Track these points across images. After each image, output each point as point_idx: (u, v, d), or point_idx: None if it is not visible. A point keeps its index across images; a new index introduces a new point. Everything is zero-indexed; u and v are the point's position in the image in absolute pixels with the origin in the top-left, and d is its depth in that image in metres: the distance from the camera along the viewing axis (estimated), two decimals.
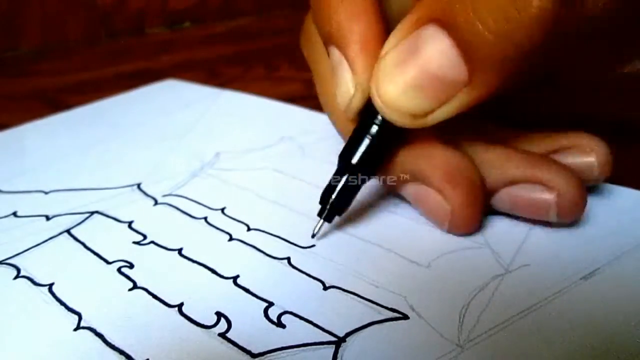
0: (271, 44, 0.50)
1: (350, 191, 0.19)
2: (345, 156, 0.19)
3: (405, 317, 0.15)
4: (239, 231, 0.20)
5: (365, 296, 0.16)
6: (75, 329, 0.16)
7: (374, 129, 0.18)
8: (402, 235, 0.19)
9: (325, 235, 0.19)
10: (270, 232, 0.20)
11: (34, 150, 0.27)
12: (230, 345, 0.15)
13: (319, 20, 0.19)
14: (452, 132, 0.19)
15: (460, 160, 0.18)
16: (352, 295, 0.16)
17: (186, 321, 0.16)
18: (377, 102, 0.17)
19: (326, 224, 0.19)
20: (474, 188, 0.18)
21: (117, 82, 0.38)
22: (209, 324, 0.15)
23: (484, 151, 0.19)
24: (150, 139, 0.28)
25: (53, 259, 0.19)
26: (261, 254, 0.18)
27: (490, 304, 0.16)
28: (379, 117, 0.18)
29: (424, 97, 0.16)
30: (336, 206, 0.19)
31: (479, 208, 0.18)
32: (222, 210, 0.21)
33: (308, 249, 0.19)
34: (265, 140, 0.27)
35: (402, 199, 0.21)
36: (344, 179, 0.18)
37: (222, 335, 0.15)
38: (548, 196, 0.18)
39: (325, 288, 0.17)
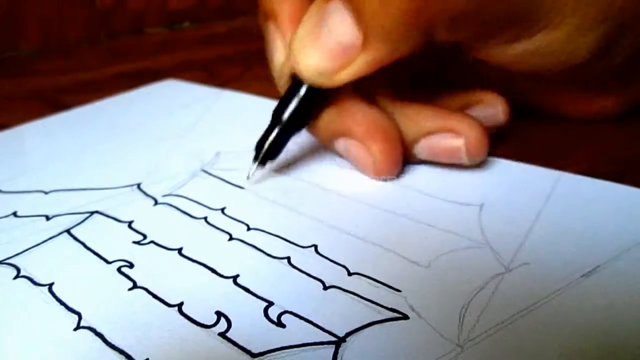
0: None
1: (280, 142, 0.22)
2: (277, 112, 0.22)
3: (405, 317, 0.15)
4: (239, 231, 0.20)
5: (365, 296, 0.16)
6: (75, 329, 0.16)
7: (302, 91, 0.21)
8: (402, 235, 0.19)
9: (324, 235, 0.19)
10: (270, 231, 0.20)
11: (34, 150, 0.27)
12: (230, 344, 0.15)
13: (259, 1, 0.24)
14: (375, 93, 0.22)
15: (378, 115, 0.22)
16: (352, 295, 0.16)
17: (186, 321, 0.16)
18: (294, 64, 0.20)
19: (259, 168, 0.22)
20: (391, 139, 0.21)
21: (117, 82, 0.38)
22: (209, 324, 0.15)
23: (402, 108, 0.22)
24: (150, 139, 0.28)
25: (53, 259, 0.19)
26: (261, 254, 0.18)
27: (491, 303, 0.16)
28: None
29: (328, 60, 0.20)
30: (268, 154, 0.22)
31: (397, 155, 0.22)
32: (222, 210, 0.21)
33: (308, 249, 0.19)
34: None
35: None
36: (275, 131, 0.22)
37: (222, 334, 0.15)
38: (457, 141, 0.21)
39: (325, 288, 0.17)
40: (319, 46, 0.20)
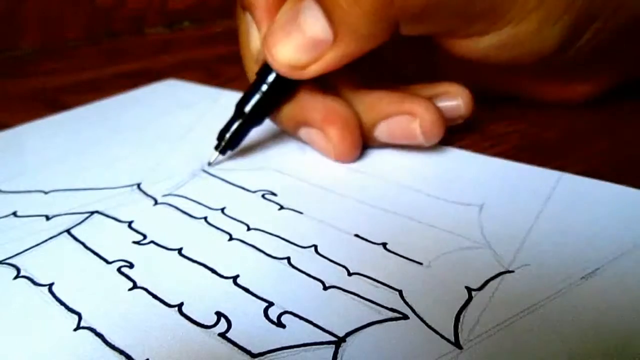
0: None
1: (241, 133, 0.24)
2: (240, 104, 0.23)
3: (405, 317, 0.15)
4: (239, 231, 0.20)
5: (365, 296, 0.16)
6: (75, 329, 0.16)
7: (265, 87, 0.23)
8: (402, 235, 0.19)
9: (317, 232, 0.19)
10: (270, 231, 0.20)
11: (34, 150, 0.27)
12: (230, 345, 0.15)
13: None
14: (337, 83, 0.24)
15: (335, 103, 0.23)
16: (352, 295, 0.16)
17: (186, 321, 0.16)
18: (267, 57, 0.22)
19: (220, 155, 0.24)
20: (348, 124, 0.23)
21: (117, 82, 0.38)
22: (209, 324, 0.15)
23: (363, 95, 0.24)
24: (150, 139, 0.28)
25: (53, 259, 0.19)
26: (261, 254, 0.18)
27: (490, 304, 0.16)
28: (270, 77, 0.23)
29: (300, 53, 0.21)
30: (229, 143, 0.24)
31: (355, 139, 0.23)
32: (222, 210, 0.21)
33: (308, 249, 0.19)
34: (265, 139, 0.27)
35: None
36: (237, 123, 0.24)
37: (222, 335, 0.15)
38: (414, 124, 0.22)
39: (325, 288, 0.17)
40: (291, 40, 0.21)
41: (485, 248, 0.18)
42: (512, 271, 0.17)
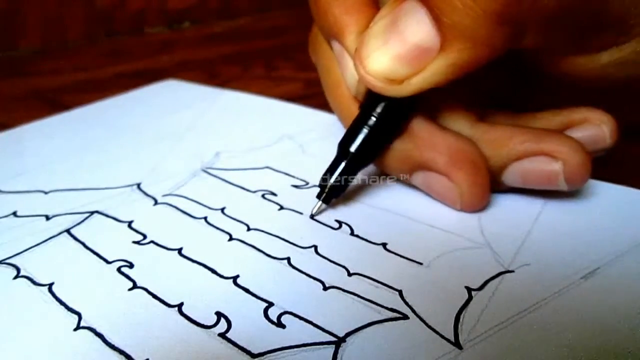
0: (271, 44, 0.50)
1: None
2: (344, 144, 0.20)
3: (405, 317, 0.15)
4: (239, 231, 0.20)
5: (365, 296, 0.16)
6: (75, 329, 0.16)
7: (372, 120, 0.19)
8: (402, 235, 0.19)
9: (325, 235, 0.19)
10: (270, 232, 0.20)
11: (33, 150, 0.27)
12: (230, 345, 0.15)
13: (318, 20, 0.21)
14: (451, 117, 0.21)
15: (461, 143, 0.19)
16: (352, 295, 0.16)
17: (186, 321, 0.16)
18: (359, 70, 0.18)
19: (323, 205, 0.20)
20: (478, 167, 0.19)
21: (117, 82, 0.38)
22: (209, 324, 0.15)
23: (487, 132, 0.20)
24: (150, 139, 0.28)
25: (53, 259, 0.19)
26: (261, 254, 0.18)
27: (490, 304, 0.16)
28: (377, 109, 0.19)
29: (399, 63, 0.17)
30: (333, 190, 0.20)
31: (486, 185, 0.20)
32: (222, 210, 0.21)
33: (308, 249, 0.19)
34: (265, 140, 0.27)
35: (413, 187, 0.21)
36: (342, 165, 0.20)
37: (222, 335, 0.15)
38: (555, 166, 0.19)
39: (325, 288, 0.17)
40: (389, 49, 0.17)
41: (485, 248, 0.18)
42: (512, 271, 0.17)
